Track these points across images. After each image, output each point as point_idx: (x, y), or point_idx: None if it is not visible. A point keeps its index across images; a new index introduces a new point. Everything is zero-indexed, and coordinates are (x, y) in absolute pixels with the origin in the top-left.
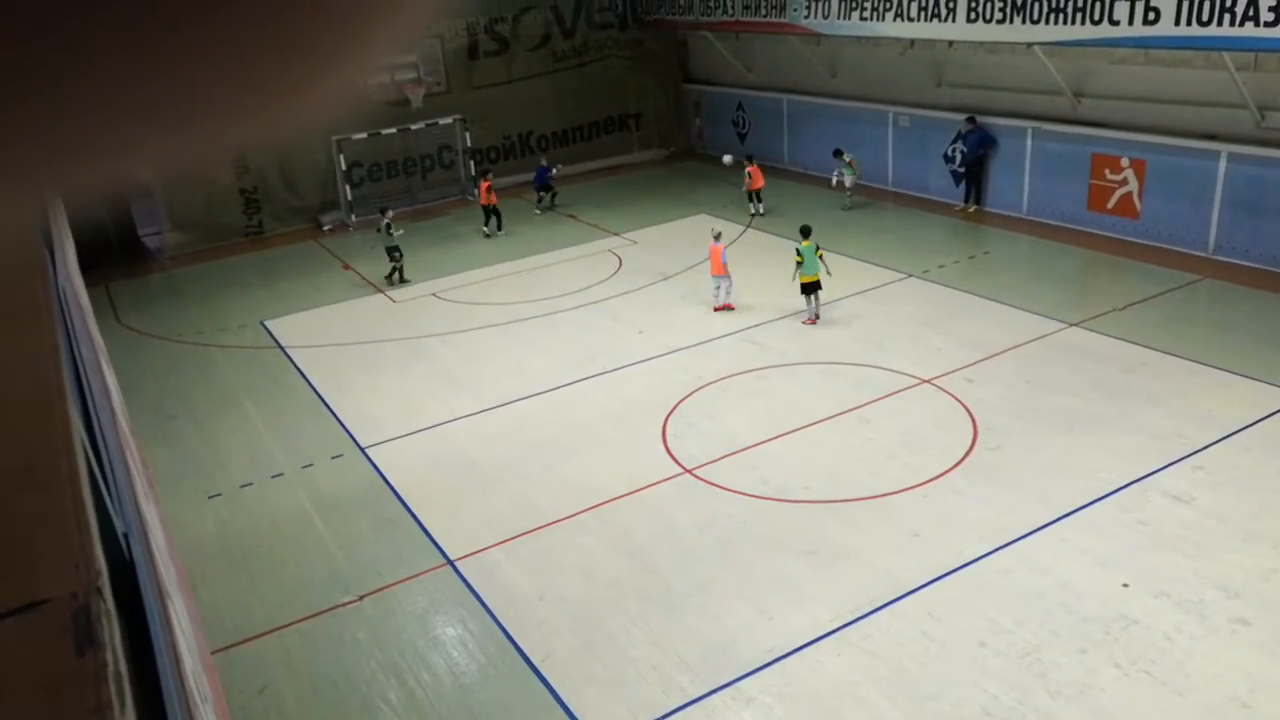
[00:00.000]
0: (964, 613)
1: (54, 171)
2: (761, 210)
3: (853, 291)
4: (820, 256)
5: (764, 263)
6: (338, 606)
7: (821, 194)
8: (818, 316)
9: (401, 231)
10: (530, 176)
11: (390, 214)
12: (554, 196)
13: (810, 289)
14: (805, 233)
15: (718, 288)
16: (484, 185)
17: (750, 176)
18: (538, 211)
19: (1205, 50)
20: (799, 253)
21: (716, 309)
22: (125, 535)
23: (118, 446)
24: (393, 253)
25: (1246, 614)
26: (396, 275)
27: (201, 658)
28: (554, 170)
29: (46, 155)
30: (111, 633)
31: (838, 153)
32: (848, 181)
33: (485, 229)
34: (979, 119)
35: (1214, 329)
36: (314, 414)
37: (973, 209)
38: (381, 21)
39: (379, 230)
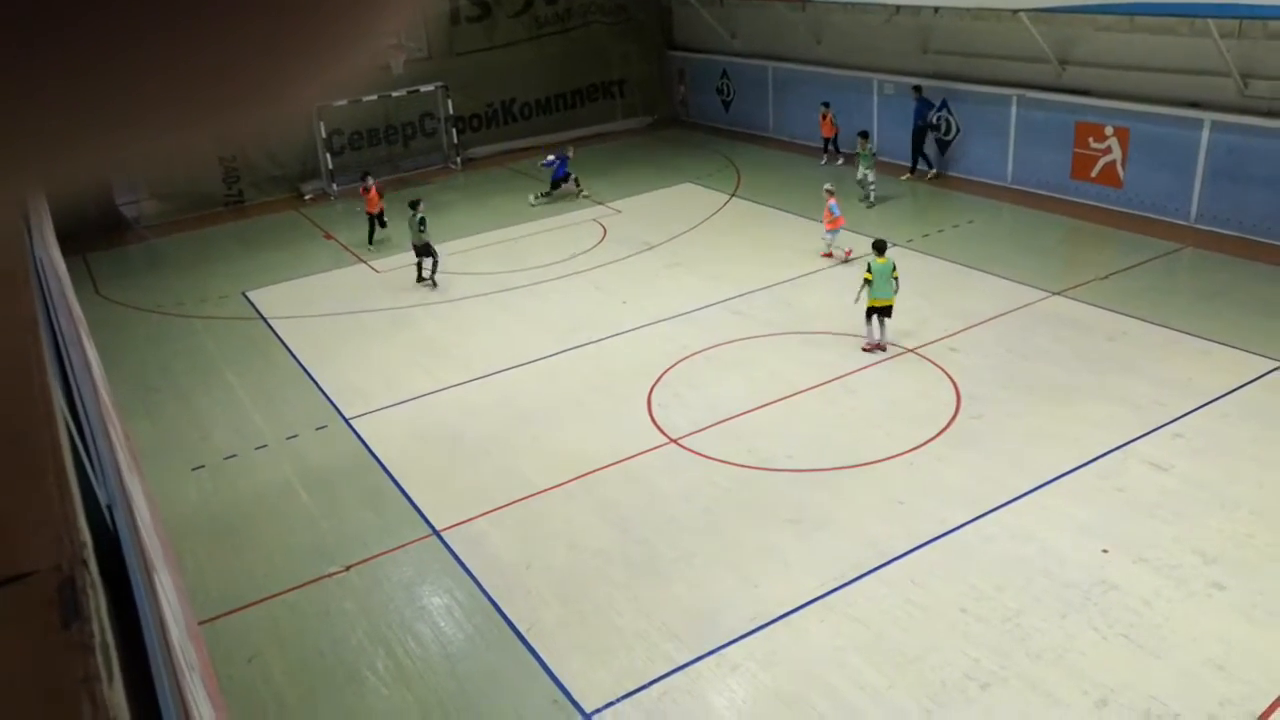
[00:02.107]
0: (947, 579)
1: (47, 168)
2: (840, 160)
3: (837, 261)
4: (896, 278)
5: (747, 232)
6: (324, 577)
7: (807, 163)
8: (884, 346)
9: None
10: (508, 146)
11: (423, 206)
12: (558, 186)
13: (879, 312)
14: (880, 248)
15: (830, 241)
16: (373, 191)
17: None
18: (532, 201)
19: (1189, 17)
20: (870, 269)
21: (826, 255)
22: (109, 507)
23: (99, 419)
24: (422, 251)
25: (1223, 578)
26: (429, 276)
27: (188, 628)
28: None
29: (40, 152)
30: (97, 604)
31: (864, 135)
32: (860, 173)
33: (372, 244)
34: (924, 87)
35: (1195, 298)
36: (297, 385)
37: (929, 174)
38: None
39: (410, 227)
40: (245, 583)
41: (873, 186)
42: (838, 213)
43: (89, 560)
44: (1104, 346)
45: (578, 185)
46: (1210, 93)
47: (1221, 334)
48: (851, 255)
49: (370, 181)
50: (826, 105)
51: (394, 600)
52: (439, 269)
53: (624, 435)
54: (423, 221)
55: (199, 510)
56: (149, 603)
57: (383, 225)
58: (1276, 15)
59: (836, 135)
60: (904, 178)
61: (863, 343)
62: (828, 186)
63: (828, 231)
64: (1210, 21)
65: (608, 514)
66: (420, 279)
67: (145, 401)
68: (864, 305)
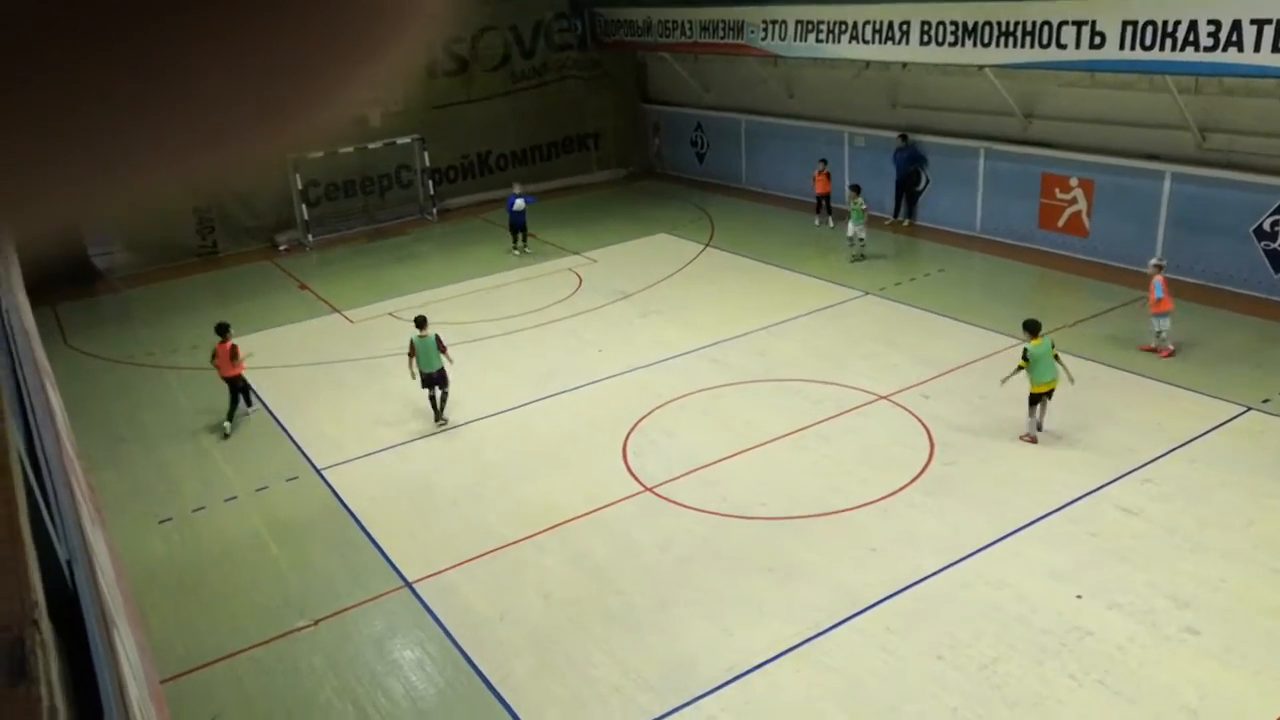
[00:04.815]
0: (922, 627)
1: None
2: (830, 223)
3: (810, 309)
4: (1056, 357)
5: (721, 281)
6: (292, 631)
7: (780, 214)
8: (1040, 426)
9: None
10: (484, 197)
11: (429, 330)
12: (525, 238)
13: (1042, 397)
14: (1034, 329)
15: (1161, 331)
16: (224, 347)
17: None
18: (515, 253)
19: (1148, 74)
20: (1026, 355)
21: (1147, 350)
22: (69, 563)
23: (62, 471)
24: (433, 384)
25: (1196, 623)
26: (438, 412)
27: (149, 687)
28: (522, 201)
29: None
30: (47, 665)
31: (855, 189)
32: (850, 229)
33: (228, 424)
34: (911, 136)
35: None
36: (269, 436)
37: (906, 224)
38: (388, 44)
39: (421, 353)
40: (210, 638)
41: (862, 243)
42: (1161, 293)
43: (40, 619)
44: (1073, 392)
45: (516, 242)
46: (1170, 146)
47: (1187, 380)
48: (1171, 354)
49: (230, 336)
50: (824, 162)
51: (364, 654)
52: (443, 405)
53: (599, 484)
54: (439, 340)
55: (165, 563)
56: (107, 662)
57: (246, 399)
58: (1230, 72)
59: (830, 193)
60: (889, 221)
61: (1022, 432)
62: (1155, 261)
63: (1154, 316)
64: (1168, 78)
65: (582, 563)
66: (440, 417)
67: (112, 452)
68: (1013, 383)
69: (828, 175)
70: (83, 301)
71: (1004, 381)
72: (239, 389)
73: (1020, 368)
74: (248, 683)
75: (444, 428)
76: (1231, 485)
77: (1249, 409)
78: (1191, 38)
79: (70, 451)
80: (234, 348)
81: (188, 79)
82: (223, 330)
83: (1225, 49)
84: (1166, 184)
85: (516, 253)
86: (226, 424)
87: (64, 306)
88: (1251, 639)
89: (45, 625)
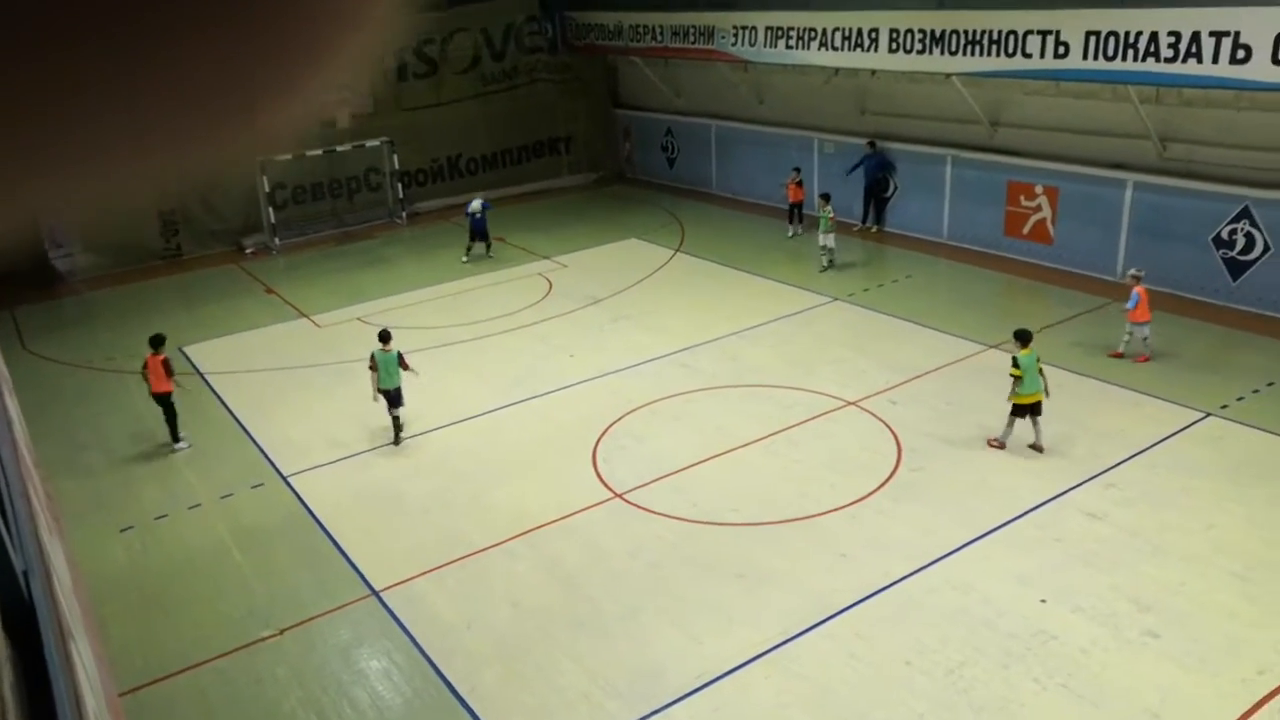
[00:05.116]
0: (891, 632)
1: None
2: (801, 230)
3: (780, 315)
4: (1041, 371)
5: (692, 286)
6: (257, 641)
7: (750, 220)
8: (1041, 446)
9: (411, 371)
10: (454, 200)
11: (393, 345)
12: (489, 246)
13: (1028, 410)
14: (1024, 339)
15: (1145, 338)
16: (157, 360)
17: (789, 189)
18: (465, 260)
19: (1111, 83)
20: (1016, 364)
21: (1116, 355)
22: (25, 574)
23: (19, 480)
24: (393, 399)
25: (1157, 626)
26: (395, 431)
27: (107, 700)
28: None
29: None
30: (0, 678)
31: (824, 197)
32: (820, 239)
33: (178, 444)
34: (879, 144)
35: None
36: (234, 442)
37: (874, 230)
38: (345, 39)
39: (383, 368)
40: (173, 649)
41: (831, 251)
42: (1133, 304)
43: None
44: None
45: (469, 250)
46: (1132, 155)
47: (1150, 386)
48: (1148, 360)
49: (163, 349)
50: (797, 170)
51: (329, 664)
52: (399, 425)
53: (568, 490)
54: (401, 358)
55: (126, 573)
56: (63, 674)
57: (169, 415)
58: (1189, 83)
59: (802, 201)
60: (857, 228)
61: (991, 437)
62: (1134, 271)
63: (1132, 325)
64: (1130, 88)
65: (551, 571)
66: (399, 437)
67: (72, 460)
68: (983, 393)
69: (800, 184)
70: (42, 304)
71: (1010, 399)
72: (171, 407)
73: (1015, 377)
74: (211, 694)
75: (404, 443)
76: (1192, 490)
77: (1208, 415)
78: (1153, 49)
79: (28, 459)
80: (167, 361)
81: (182, 70)
82: (157, 342)
83: (1185, 60)
84: (1129, 192)
85: (465, 259)
86: (179, 445)
87: (22, 310)
88: (1210, 642)
89: None
